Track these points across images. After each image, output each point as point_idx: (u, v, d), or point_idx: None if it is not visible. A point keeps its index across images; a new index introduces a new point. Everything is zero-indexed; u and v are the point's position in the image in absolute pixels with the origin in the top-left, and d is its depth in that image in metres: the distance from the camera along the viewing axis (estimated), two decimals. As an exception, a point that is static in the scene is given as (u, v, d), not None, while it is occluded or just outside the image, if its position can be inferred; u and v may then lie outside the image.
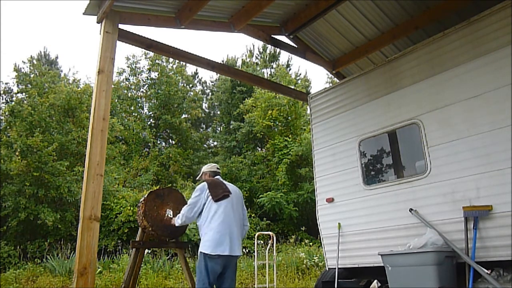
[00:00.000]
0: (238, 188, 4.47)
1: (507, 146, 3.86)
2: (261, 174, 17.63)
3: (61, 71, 24.46)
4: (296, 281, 8.97)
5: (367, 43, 6.24)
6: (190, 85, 24.29)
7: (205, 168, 4.52)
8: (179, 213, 4.83)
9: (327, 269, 5.51)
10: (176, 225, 4.30)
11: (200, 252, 3.89)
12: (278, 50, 23.40)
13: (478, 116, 4.14)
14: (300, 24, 5.90)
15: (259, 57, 25.38)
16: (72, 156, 13.20)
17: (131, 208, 11.76)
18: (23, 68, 18.12)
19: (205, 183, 4.18)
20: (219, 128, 23.93)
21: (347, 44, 6.44)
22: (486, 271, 3.76)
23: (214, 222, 3.94)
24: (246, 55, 25.38)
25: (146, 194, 4.75)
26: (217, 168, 4.54)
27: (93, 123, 3.97)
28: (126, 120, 18.60)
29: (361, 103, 5.36)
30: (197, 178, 4.60)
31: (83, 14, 4.35)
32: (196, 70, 27.18)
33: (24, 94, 15.72)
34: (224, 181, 4.36)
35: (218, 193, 4.09)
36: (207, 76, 43.14)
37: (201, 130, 25.14)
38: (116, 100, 19.22)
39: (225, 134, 21.54)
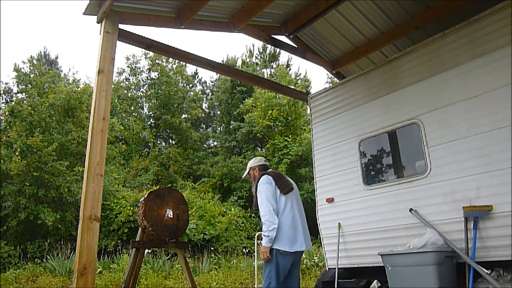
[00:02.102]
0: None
1: (507, 146, 3.86)
2: (261, 174, 17.62)
3: (61, 71, 24.48)
4: (296, 281, 8.95)
5: (367, 43, 6.24)
6: (190, 85, 24.31)
7: (252, 163, 4.14)
8: (179, 212, 4.82)
9: (327, 269, 5.51)
10: (271, 236, 3.59)
11: (272, 248, 3.59)
12: (278, 50, 23.40)
13: (478, 116, 4.14)
14: (300, 24, 5.90)
15: (259, 57, 25.39)
16: (72, 156, 13.19)
17: (131, 208, 11.76)
18: (23, 68, 18.14)
19: (267, 176, 3.82)
20: (219, 128, 23.93)
21: (347, 44, 6.44)
22: (486, 271, 3.76)
23: (286, 217, 3.68)
24: (246, 55, 25.40)
25: (146, 194, 4.76)
26: (265, 161, 4.19)
27: (93, 123, 3.97)
28: (126, 120, 18.60)
29: (361, 103, 5.36)
30: (243, 177, 4.24)
31: (83, 14, 4.35)
32: (196, 70, 27.22)
33: (24, 94, 15.71)
34: (281, 174, 4.06)
35: (286, 185, 3.82)
36: (207, 76, 43.15)
37: (201, 130, 25.15)
38: (116, 100, 19.21)
39: (225, 134, 21.54)
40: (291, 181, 4.03)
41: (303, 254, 3.84)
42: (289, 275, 3.70)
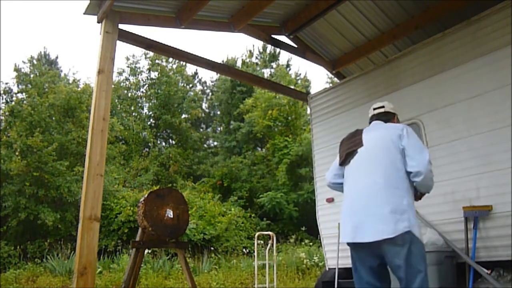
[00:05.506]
0: (387, 127, 2.87)
1: (507, 146, 3.86)
2: (261, 174, 17.63)
3: (61, 71, 24.40)
4: (296, 281, 8.97)
5: (367, 43, 6.24)
6: (190, 85, 24.28)
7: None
8: (179, 212, 4.80)
9: (327, 269, 5.51)
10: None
11: None
12: (278, 50, 23.38)
13: (478, 116, 4.14)
14: (300, 24, 5.90)
15: (259, 57, 25.36)
16: (72, 156, 13.18)
17: (131, 208, 11.75)
18: (23, 68, 18.11)
19: None
20: (219, 128, 23.91)
21: (347, 44, 6.43)
22: (486, 271, 3.76)
23: (344, 197, 2.84)
24: (246, 55, 25.36)
25: (146, 194, 4.76)
26: (374, 109, 3.06)
27: (93, 123, 3.97)
28: (126, 120, 18.59)
29: (361, 103, 5.36)
30: None
31: (83, 14, 4.36)
32: (196, 70, 27.13)
33: (24, 94, 15.71)
34: (371, 127, 2.95)
35: (342, 153, 2.90)
36: (207, 76, 43.12)
37: (201, 130, 25.12)
38: (116, 100, 19.21)
39: (225, 134, 21.54)
40: (371, 136, 2.82)
41: (379, 247, 2.56)
42: (393, 269, 2.62)
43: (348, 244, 2.74)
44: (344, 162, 2.87)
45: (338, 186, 2.98)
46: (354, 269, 2.78)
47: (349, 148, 2.84)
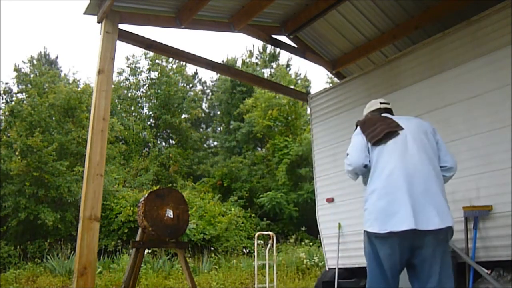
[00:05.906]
0: (419, 120, 2.87)
1: (507, 146, 3.86)
2: (261, 174, 17.64)
3: (61, 71, 24.39)
4: (296, 281, 8.97)
5: (367, 43, 6.23)
6: (190, 85, 24.28)
7: (364, 111, 3.07)
8: (179, 212, 4.80)
9: (327, 269, 5.51)
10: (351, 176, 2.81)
11: (364, 231, 2.53)
12: (278, 50, 23.37)
13: (478, 116, 4.14)
14: (300, 24, 5.90)
15: (259, 57, 25.36)
16: (72, 156, 13.18)
17: (131, 208, 11.76)
18: (23, 68, 18.11)
19: (359, 124, 2.82)
20: (219, 128, 23.92)
21: (347, 44, 6.43)
22: (486, 271, 3.76)
23: (376, 179, 2.52)
24: (246, 55, 25.36)
25: (146, 194, 4.76)
26: (381, 103, 2.96)
27: (93, 123, 3.97)
28: (126, 120, 18.59)
29: (361, 103, 5.33)
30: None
31: (83, 14, 4.36)
32: (196, 70, 27.11)
33: (24, 94, 15.72)
34: (394, 116, 2.84)
35: (377, 132, 2.61)
36: (207, 76, 43.09)
37: (201, 130, 25.12)
38: (116, 100, 19.21)
39: (225, 134, 21.55)
40: (407, 122, 2.69)
41: (429, 237, 2.37)
42: (412, 267, 2.46)
43: (397, 233, 2.33)
44: (380, 140, 2.58)
45: (365, 170, 2.66)
46: (380, 273, 2.43)
47: (389, 128, 2.60)
